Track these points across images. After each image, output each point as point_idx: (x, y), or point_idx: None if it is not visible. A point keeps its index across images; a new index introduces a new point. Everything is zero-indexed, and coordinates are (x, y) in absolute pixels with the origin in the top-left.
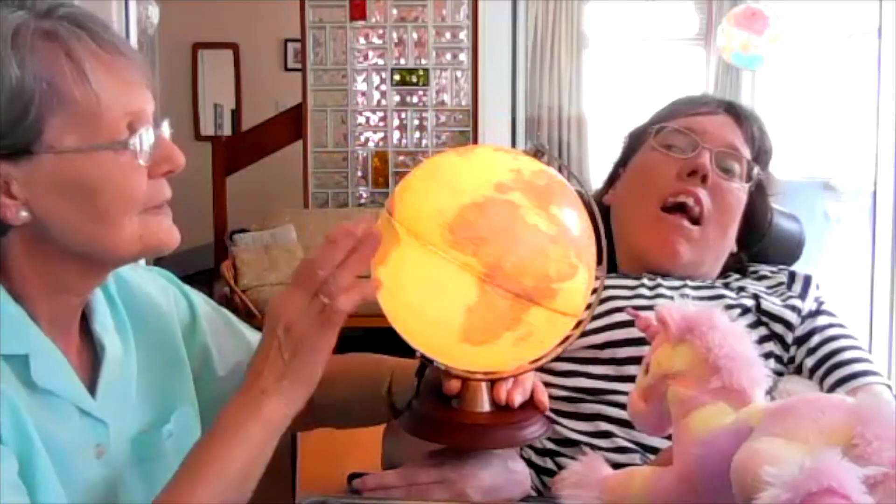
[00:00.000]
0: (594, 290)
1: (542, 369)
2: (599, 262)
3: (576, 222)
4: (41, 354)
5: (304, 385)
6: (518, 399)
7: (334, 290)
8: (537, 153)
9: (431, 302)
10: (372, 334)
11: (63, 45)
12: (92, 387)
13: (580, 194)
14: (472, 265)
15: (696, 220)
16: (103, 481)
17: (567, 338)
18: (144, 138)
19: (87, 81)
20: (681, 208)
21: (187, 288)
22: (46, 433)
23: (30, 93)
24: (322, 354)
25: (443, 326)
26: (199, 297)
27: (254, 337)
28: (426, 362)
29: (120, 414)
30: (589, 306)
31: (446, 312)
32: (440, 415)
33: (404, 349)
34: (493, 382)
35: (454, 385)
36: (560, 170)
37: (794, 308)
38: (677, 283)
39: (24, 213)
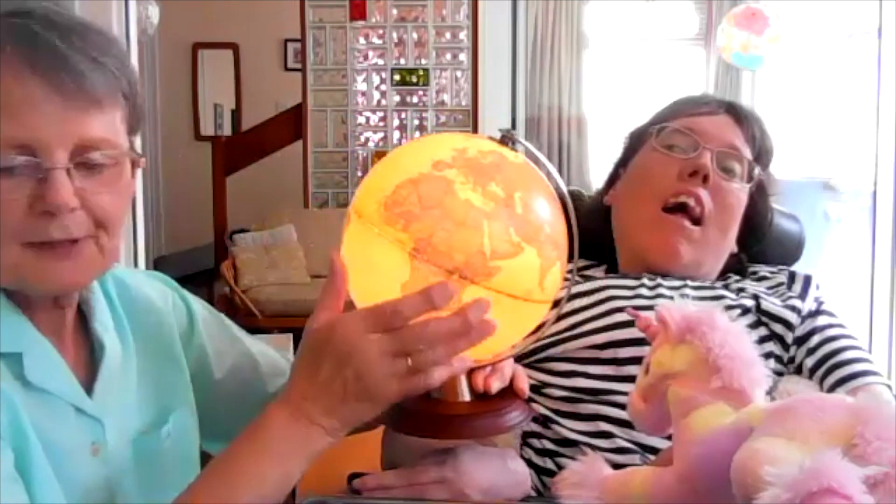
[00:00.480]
0: (566, 279)
1: (542, 369)
2: (571, 254)
3: (532, 206)
4: (35, 353)
5: (349, 426)
6: (496, 386)
7: (430, 363)
8: (504, 139)
9: (371, 280)
10: None
11: None
12: (89, 385)
13: (560, 192)
14: (403, 240)
15: (696, 221)
16: (99, 479)
17: (540, 325)
18: (29, 170)
19: None
20: (682, 209)
21: (185, 292)
22: (42, 430)
23: None
24: (381, 409)
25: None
26: (196, 302)
27: (251, 342)
28: None
29: (117, 413)
30: (556, 305)
31: (384, 290)
32: (421, 408)
33: None
34: (470, 371)
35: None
36: (536, 161)
37: (793, 308)
38: (677, 283)
39: None
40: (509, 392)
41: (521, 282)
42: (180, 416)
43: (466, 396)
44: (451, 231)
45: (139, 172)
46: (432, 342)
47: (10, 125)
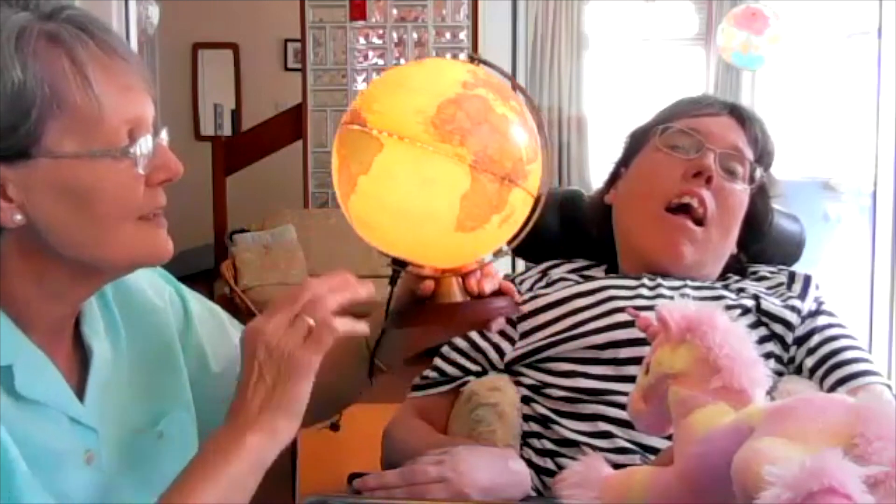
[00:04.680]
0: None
1: (542, 369)
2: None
3: (527, 113)
4: (26, 364)
5: (289, 418)
6: (488, 288)
7: (323, 312)
8: (472, 60)
9: (424, 197)
10: None
11: (66, 49)
12: (81, 391)
13: (531, 101)
14: (463, 155)
15: (699, 221)
16: (93, 486)
17: (528, 220)
18: (143, 146)
19: (90, 86)
20: (685, 209)
21: (181, 286)
22: (31, 441)
23: (31, 96)
24: (307, 381)
25: (437, 219)
26: (192, 296)
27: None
28: (398, 269)
29: (109, 417)
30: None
31: (441, 204)
32: (419, 306)
33: None
34: (463, 278)
35: (428, 285)
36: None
37: (793, 308)
38: (678, 283)
39: (18, 217)
40: (499, 294)
41: (537, 181)
42: (176, 416)
43: (460, 298)
44: (500, 142)
45: None
46: (317, 289)
47: (117, 109)
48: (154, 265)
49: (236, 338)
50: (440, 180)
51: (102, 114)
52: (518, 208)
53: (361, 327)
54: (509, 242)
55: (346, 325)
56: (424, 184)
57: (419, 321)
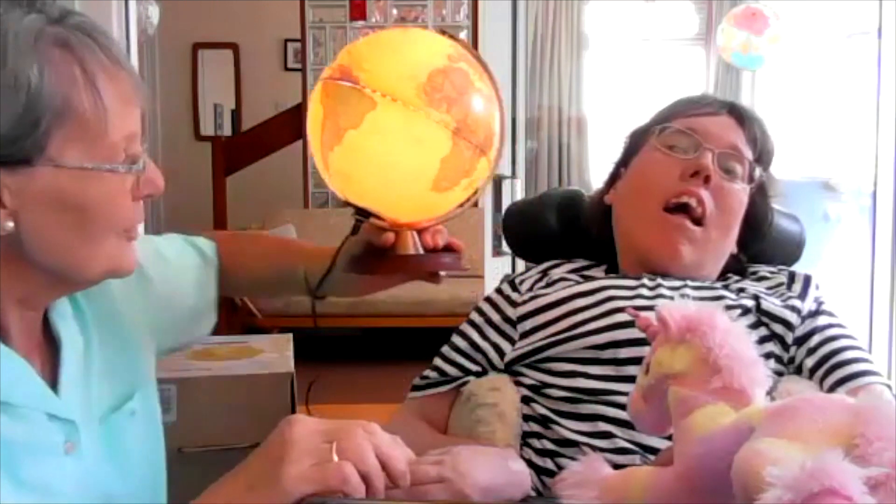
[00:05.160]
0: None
1: (541, 370)
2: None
3: (493, 92)
4: (3, 369)
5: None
6: (441, 242)
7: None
8: (443, 33)
9: (410, 155)
10: (370, 334)
11: (77, 56)
12: (54, 381)
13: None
14: (447, 121)
15: (698, 221)
16: (76, 475)
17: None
18: (140, 162)
19: (99, 97)
20: (683, 209)
21: None
22: (6, 441)
23: (44, 103)
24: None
25: (418, 177)
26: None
27: (166, 243)
28: (362, 219)
29: (85, 404)
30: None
31: (424, 164)
32: (377, 255)
33: (403, 349)
34: (418, 233)
35: (390, 237)
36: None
37: (794, 308)
38: (678, 283)
39: (9, 224)
40: (448, 249)
41: (494, 155)
42: (143, 394)
43: (417, 251)
44: (477, 114)
45: None
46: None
47: (119, 122)
48: (119, 278)
49: (175, 254)
50: (426, 142)
51: (107, 126)
52: (480, 177)
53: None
54: (461, 206)
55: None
56: (411, 144)
57: (378, 269)
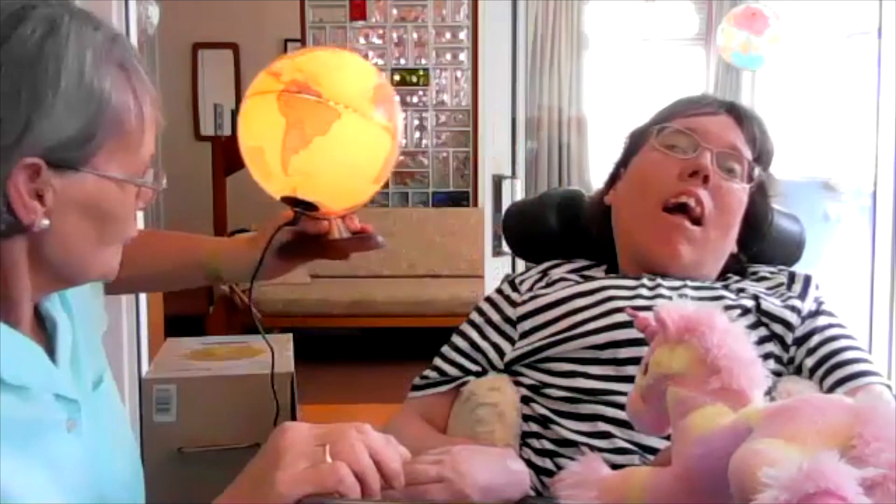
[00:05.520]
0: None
1: (541, 370)
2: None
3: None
4: (11, 350)
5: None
6: (360, 226)
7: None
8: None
9: (364, 156)
10: (370, 334)
11: (131, 78)
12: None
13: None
14: (390, 127)
15: (697, 221)
16: (78, 452)
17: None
18: (163, 179)
19: (143, 119)
20: (682, 209)
21: None
22: (13, 419)
23: (105, 118)
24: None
25: (365, 173)
26: None
27: None
28: (303, 212)
29: (78, 383)
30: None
31: (372, 162)
32: (312, 241)
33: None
34: (342, 218)
35: (325, 224)
36: None
37: (793, 308)
38: (677, 283)
39: (45, 222)
40: (364, 231)
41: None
42: (108, 375)
43: (345, 235)
44: (400, 120)
45: None
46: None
47: (149, 141)
48: (106, 281)
49: None
50: (376, 144)
51: (143, 144)
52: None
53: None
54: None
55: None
56: (366, 146)
57: (311, 254)
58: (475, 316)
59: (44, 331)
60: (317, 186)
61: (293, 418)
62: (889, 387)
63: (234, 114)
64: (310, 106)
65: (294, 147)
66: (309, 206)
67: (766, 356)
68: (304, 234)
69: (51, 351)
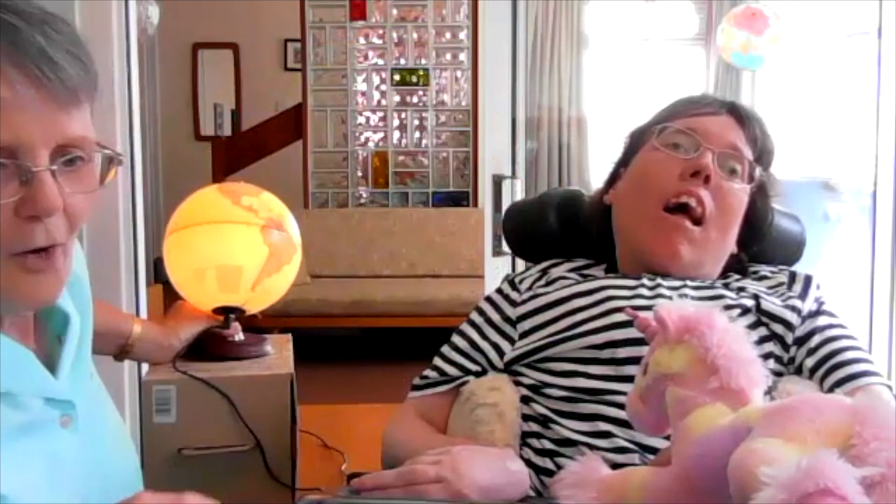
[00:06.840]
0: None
1: (541, 369)
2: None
3: None
4: (2, 360)
5: None
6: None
7: None
8: None
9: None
10: (370, 334)
11: None
12: (54, 362)
13: None
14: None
15: (697, 221)
16: (75, 448)
17: None
18: (5, 173)
19: None
20: (683, 209)
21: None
22: (6, 418)
23: None
24: None
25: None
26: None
27: None
28: (233, 315)
29: (79, 378)
30: None
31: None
32: (223, 338)
33: (403, 349)
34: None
35: (237, 326)
36: None
37: (794, 308)
38: (677, 283)
39: None
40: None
41: None
42: (95, 368)
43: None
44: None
45: (139, 172)
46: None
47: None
48: (23, 311)
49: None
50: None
51: None
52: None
53: None
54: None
55: None
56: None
57: (217, 351)
58: (475, 316)
59: (44, 331)
60: (262, 301)
61: (293, 418)
62: (889, 387)
63: (234, 114)
64: (284, 241)
65: (269, 271)
66: (237, 311)
67: (766, 356)
68: (211, 333)
69: (52, 349)
